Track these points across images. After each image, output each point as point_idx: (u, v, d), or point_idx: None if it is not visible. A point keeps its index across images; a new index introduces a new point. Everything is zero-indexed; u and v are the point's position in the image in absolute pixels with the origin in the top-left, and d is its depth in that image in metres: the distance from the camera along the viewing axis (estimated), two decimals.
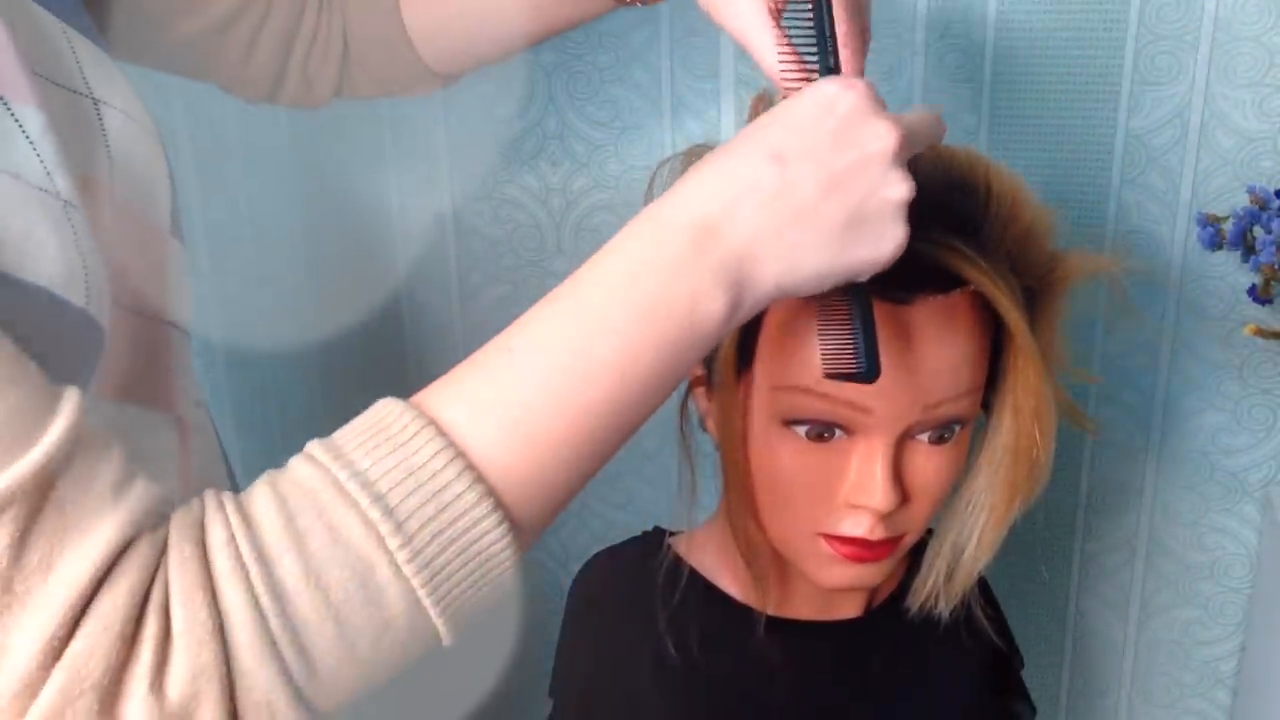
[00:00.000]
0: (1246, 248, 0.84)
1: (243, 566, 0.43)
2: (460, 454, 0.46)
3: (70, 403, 0.43)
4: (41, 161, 0.46)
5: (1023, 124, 0.94)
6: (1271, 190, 0.85)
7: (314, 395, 1.18)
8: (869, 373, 0.55)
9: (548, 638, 0.82)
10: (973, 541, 0.68)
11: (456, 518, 0.46)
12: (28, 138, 0.45)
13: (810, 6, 0.55)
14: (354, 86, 0.81)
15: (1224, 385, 0.98)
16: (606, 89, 1.00)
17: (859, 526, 0.63)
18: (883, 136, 0.51)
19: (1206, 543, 1.04)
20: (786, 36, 0.57)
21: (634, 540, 0.80)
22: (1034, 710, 0.84)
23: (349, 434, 0.47)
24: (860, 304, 0.55)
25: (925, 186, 0.60)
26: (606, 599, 0.77)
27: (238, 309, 1.15)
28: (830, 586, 0.67)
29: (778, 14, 0.59)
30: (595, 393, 0.49)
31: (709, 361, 0.65)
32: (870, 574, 0.66)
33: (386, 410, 0.47)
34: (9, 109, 0.45)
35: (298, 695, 0.44)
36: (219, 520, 0.44)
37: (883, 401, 0.60)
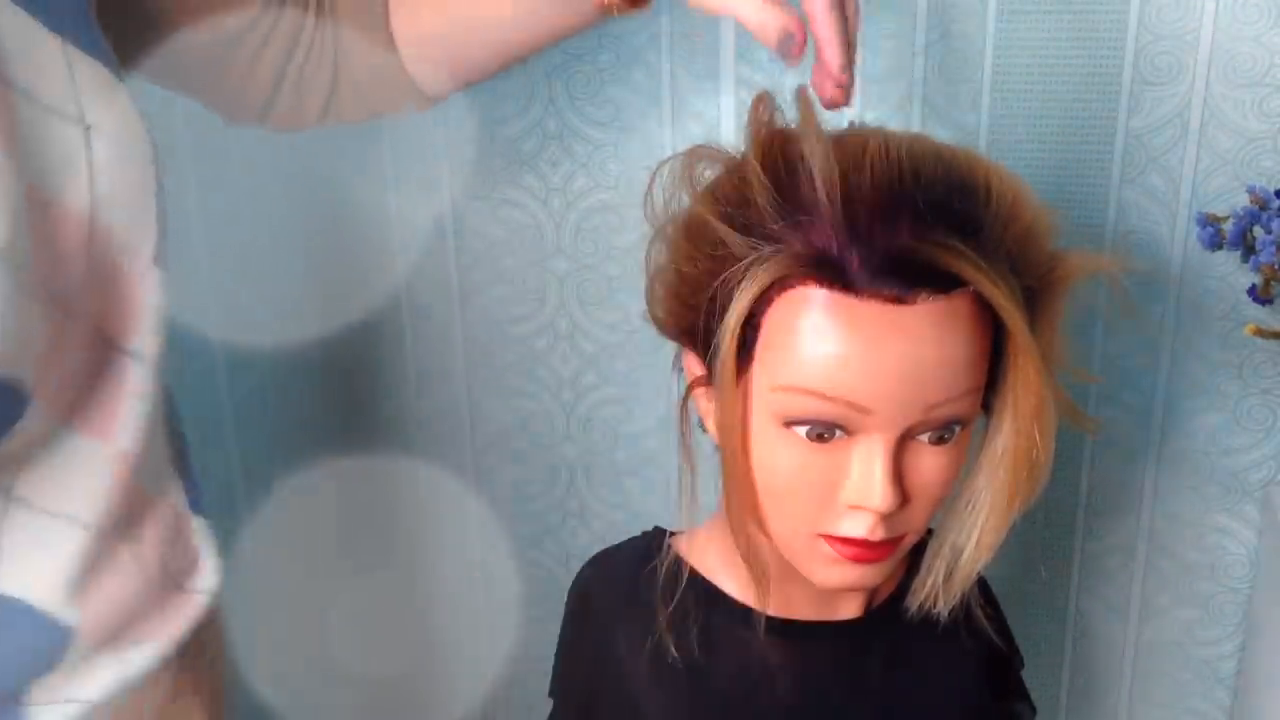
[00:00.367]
0: (1246, 248, 0.84)
1: None
2: None
3: None
4: None
5: (1023, 124, 0.94)
6: (1271, 190, 0.85)
7: (314, 395, 1.18)
8: None
9: (548, 638, 0.82)
10: (972, 542, 0.68)
11: None
12: None
13: None
14: (340, 108, 0.81)
15: (1224, 385, 0.98)
16: (606, 89, 1.00)
17: (859, 527, 0.63)
18: None
19: (1206, 543, 1.04)
20: None
21: (634, 540, 0.80)
22: (1034, 710, 0.84)
23: None
24: None
25: (925, 186, 0.60)
26: (606, 599, 0.77)
27: (237, 309, 1.15)
28: (830, 587, 0.67)
29: None
30: None
31: (709, 361, 0.65)
32: (870, 575, 0.66)
33: None
34: None
35: None
36: None
37: (883, 402, 0.60)
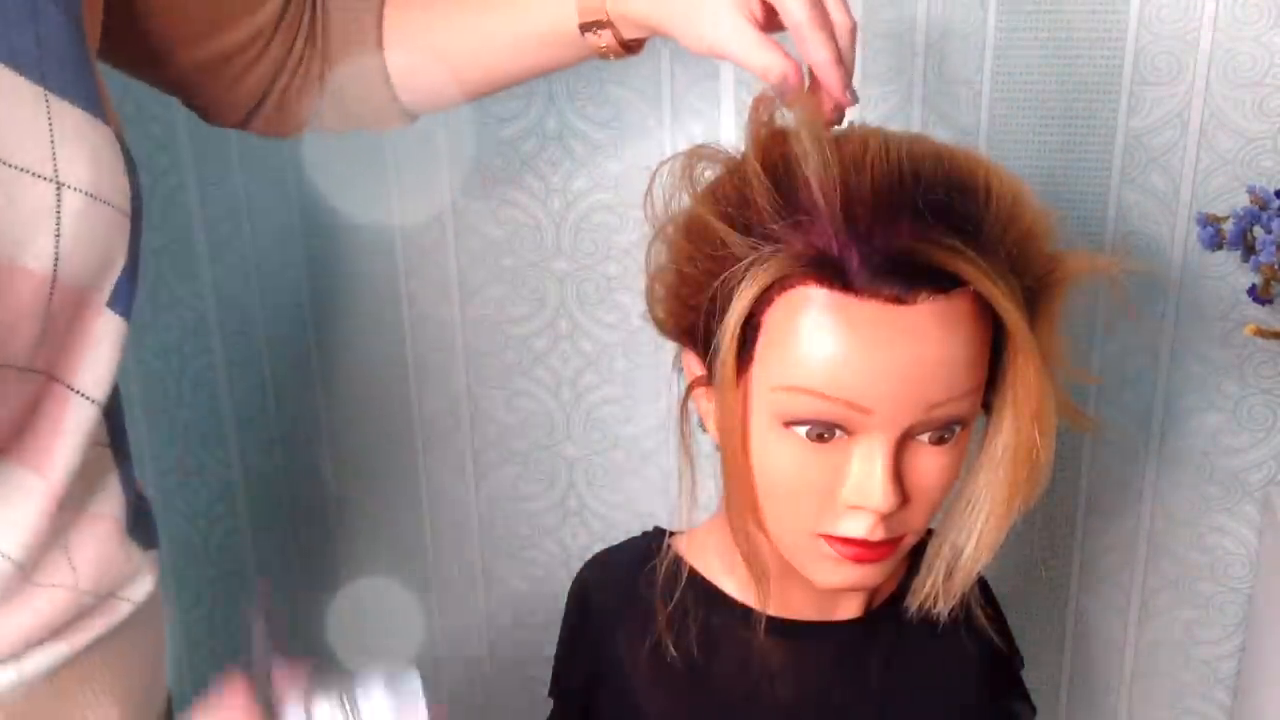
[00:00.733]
0: (1246, 248, 0.84)
1: None
2: None
3: None
4: None
5: (1023, 124, 0.94)
6: (1271, 190, 0.85)
7: (314, 395, 1.18)
8: None
9: (548, 638, 0.82)
10: (972, 542, 0.68)
11: None
12: None
13: None
14: (323, 120, 0.81)
15: (1224, 385, 0.98)
16: (606, 89, 1.00)
17: (859, 527, 0.63)
18: None
19: (1206, 543, 1.04)
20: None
21: (634, 540, 0.80)
22: (1034, 710, 0.84)
23: None
24: None
25: (926, 187, 0.60)
26: (606, 599, 0.77)
27: (237, 309, 1.15)
28: (830, 587, 0.67)
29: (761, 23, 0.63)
30: None
31: (709, 361, 0.65)
32: (870, 575, 0.66)
33: None
34: None
35: None
36: None
37: (883, 402, 0.60)
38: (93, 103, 0.56)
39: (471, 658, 1.24)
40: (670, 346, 0.71)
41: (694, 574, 0.75)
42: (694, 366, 0.68)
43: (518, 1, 0.75)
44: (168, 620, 0.72)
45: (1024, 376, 0.63)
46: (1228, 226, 0.85)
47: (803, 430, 0.62)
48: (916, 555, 0.72)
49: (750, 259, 0.61)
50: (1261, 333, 0.87)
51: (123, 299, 0.59)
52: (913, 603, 0.72)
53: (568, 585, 0.80)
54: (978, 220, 0.61)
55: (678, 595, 0.73)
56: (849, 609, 0.75)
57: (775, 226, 0.61)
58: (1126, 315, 0.98)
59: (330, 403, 1.18)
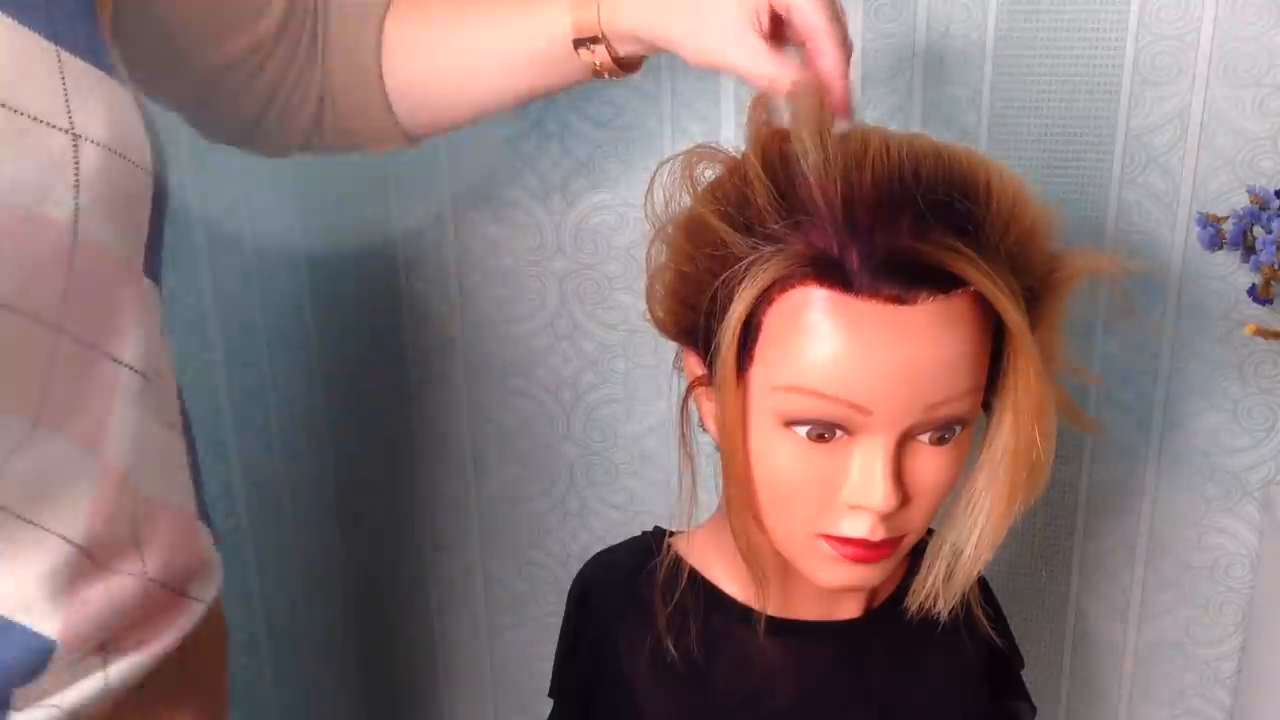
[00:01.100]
0: (1246, 248, 0.84)
1: None
2: None
3: None
4: None
5: (1023, 124, 0.94)
6: (1271, 190, 0.85)
7: (314, 395, 1.18)
8: None
9: (548, 638, 0.82)
10: (972, 542, 0.68)
11: None
12: None
13: None
14: (320, 139, 0.81)
15: (1224, 385, 0.98)
16: (606, 89, 1.00)
17: (859, 527, 0.63)
18: None
19: (1206, 543, 1.04)
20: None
21: (634, 540, 0.80)
22: (1034, 710, 0.84)
23: None
24: None
25: (926, 186, 0.60)
26: (606, 599, 0.77)
27: (237, 308, 1.15)
28: (830, 587, 0.67)
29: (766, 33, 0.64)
30: None
31: (709, 361, 0.65)
32: (870, 575, 0.66)
33: None
34: None
35: None
36: None
37: (883, 402, 0.60)
38: (106, 64, 0.55)
39: (471, 658, 1.24)
40: (670, 346, 0.71)
41: (694, 574, 0.75)
42: (694, 366, 0.68)
43: (513, 20, 0.75)
44: None
45: (1024, 377, 0.63)
46: (1228, 226, 0.85)
47: (803, 430, 0.62)
48: (916, 555, 0.72)
49: (751, 259, 0.61)
50: (1261, 333, 0.87)
51: (154, 266, 0.58)
52: (913, 603, 0.72)
53: (568, 585, 0.80)
54: (978, 220, 0.61)
55: (678, 595, 0.73)
56: (849, 609, 0.75)
57: (775, 226, 0.61)
58: (1126, 315, 0.98)
59: (330, 403, 1.18)
